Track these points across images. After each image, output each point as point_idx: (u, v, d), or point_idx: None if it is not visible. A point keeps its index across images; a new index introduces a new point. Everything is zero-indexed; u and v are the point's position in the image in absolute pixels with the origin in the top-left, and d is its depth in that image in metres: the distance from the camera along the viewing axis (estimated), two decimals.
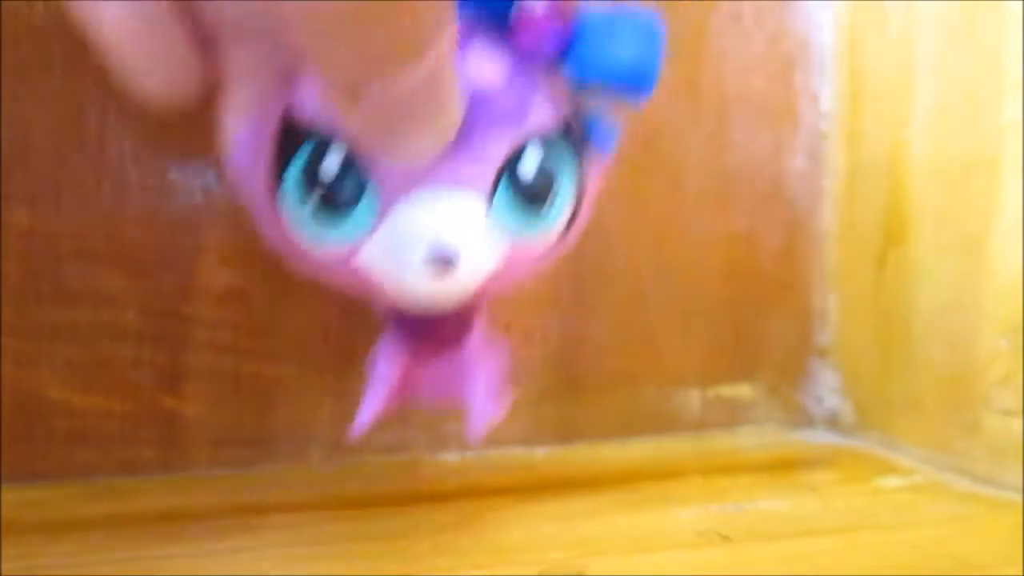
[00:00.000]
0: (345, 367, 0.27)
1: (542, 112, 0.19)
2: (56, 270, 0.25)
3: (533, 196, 0.19)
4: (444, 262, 0.18)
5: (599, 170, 0.21)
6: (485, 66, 0.19)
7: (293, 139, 0.18)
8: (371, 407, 0.22)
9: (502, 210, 0.18)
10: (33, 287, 0.25)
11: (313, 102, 0.18)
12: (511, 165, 0.18)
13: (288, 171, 0.18)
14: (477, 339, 0.22)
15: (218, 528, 0.22)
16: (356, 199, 0.18)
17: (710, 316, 0.32)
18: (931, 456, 0.28)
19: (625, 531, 0.22)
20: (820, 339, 0.33)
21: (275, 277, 0.26)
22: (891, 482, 0.27)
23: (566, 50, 0.19)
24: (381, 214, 0.18)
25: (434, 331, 0.21)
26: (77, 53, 0.24)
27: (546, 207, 0.19)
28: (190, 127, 0.24)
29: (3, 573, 0.19)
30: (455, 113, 0.17)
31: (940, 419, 0.28)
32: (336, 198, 0.18)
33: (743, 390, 0.32)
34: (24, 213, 0.25)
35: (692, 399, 0.32)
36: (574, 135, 0.20)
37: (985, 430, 0.26)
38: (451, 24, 0.16)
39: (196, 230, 0.26)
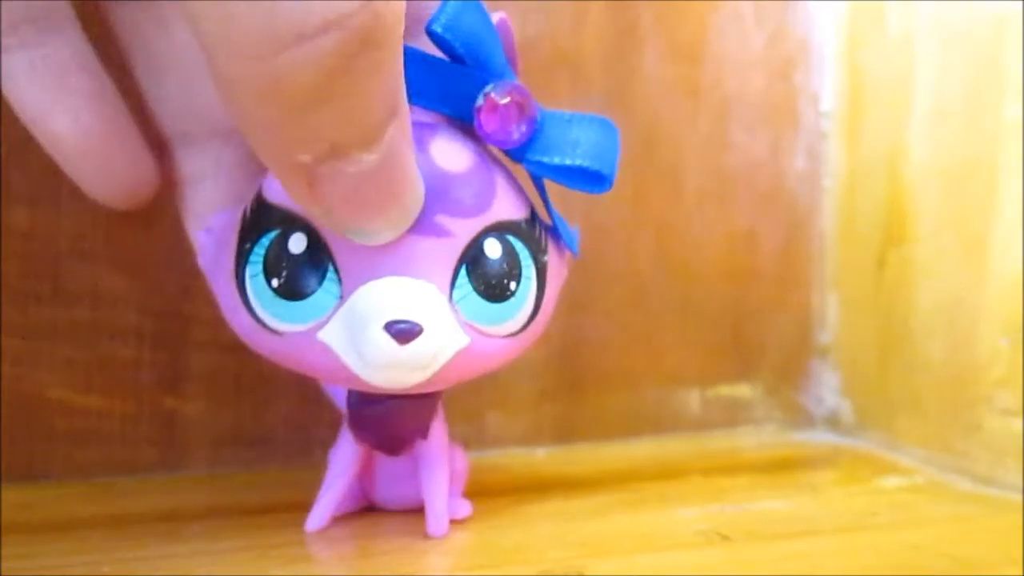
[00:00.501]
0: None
1: (505, 202, 0.19)
2: (56, 270, 0.25)
3: (493, 287, 0.19)
4: (405, 332, 0.17)
5: (563, 267, 0.21)
6: (450, 154, 0.19)
7: (259, 225, 0.19)
8: (326, 506, 0.22)
9: (463, 299, 0.18)
10: (33, 287, 0.25)
11: (277, 191, 0.19)
12: (471, 255, 0.19)
13: (252, 257, 0.19)
14: (437, 437, 0.21)
15: (218, 528, 0.22)
16: (319, 282, 0.18)
17: (710, 316, 0.32)
18: (931, 456, 0.28)
19: (625, 531, 0.22)
20: (820, 339, 0.33)
21: None
22: (891, 482, 0.27)
23: (528, 141, 0.19)
24: (342, 297, 0.18)
25: (392, 422, 0.20)
26: None
27: (507, 298, 0.19)
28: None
29: (3, 573, 0.19)
30: (414, 199, 0.17)
31: (940, 419, 0.28)
32: (300, 281, 0.18)
33: (743, 390, 0.32)
34: (24, 213, 0.25)
35: (692, 399, 0.32)
36: (537, 229, 0.20)
37: (985, 430, 0.26)
38: (403, 111, 0.16)
39: None
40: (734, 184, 0.32)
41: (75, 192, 0.23)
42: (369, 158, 0.15)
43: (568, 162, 0.19)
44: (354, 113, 0.15)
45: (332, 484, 0.22)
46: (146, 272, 0.26)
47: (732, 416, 0.32)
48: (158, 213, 0.26)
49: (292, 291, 0.18)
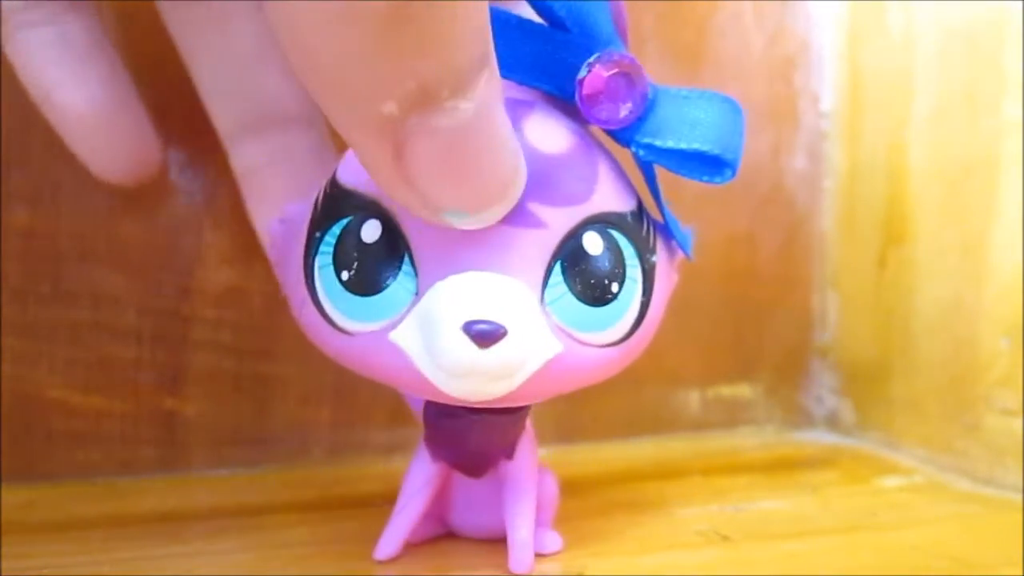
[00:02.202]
0: (345, 367, 0.27)
1: (609, 192, 0.17)
2: (56, 270, 0.25)
3: (592, 287, 0.16)
4: (486, 334, 0.15)
5: (672, 270, 0.19)
6: (546, 134, 0.17)
7: (331, 211, 0.17)
8: (399, 530, 0.19)
9: (556, 300, 0.16)
10: (33, 287, 0.25)
11: (352, 175, 0.17)
12: (568, 250, 0.16)
13: (322, 247, 0.17)
14: (524, 458, 0.19)
15: (218, 528, 0.22)
16: (393, 276, 0.16)
17: (710, 316, 0.32)
18: (931, 456, 0.28)
19: (625, 531, 0.22)
20: (820, 339, 0.33)
21: (275, 277, 0.26)
22: (891, 482, 0.27)
23: (637, 120, 0.17)
24: (419, 292, 0.16)
25: (473, 439, 0.18)
26: None
27: (608, 302, 0.17)
28: (191, 127, 0.24)
29: (3, 573, 0.19)
30: (516, 171, 0.15)
31: (940, 419, 0.28)
32: (372, 274, 0.16)
33: (743, 390, 0.32)
34: (24, 213, 0.25)
35: (692, 399, 0.32)
36: (645, 225, 0.18)
37: (985, 430, 0.26)
38: (494, 65, 0.14)
39: (196, 230, 0.26)
40: (734, 184, 0.31)
41: (75, 192, 0.23)
42: (465, 106, 0.13)
43: (684, 146, 0.17)
44: (443, 43, 0.12)
45: (406, 506, 0.19)
46: (146, 272, 0.26)
47: (732, 416, 0.32)
48: (158, 213, 0.26)
49: (363, 285, 0.16)
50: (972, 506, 0.24)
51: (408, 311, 0.16)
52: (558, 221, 0.16)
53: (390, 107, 0.13)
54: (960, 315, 0.27)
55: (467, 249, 0.16)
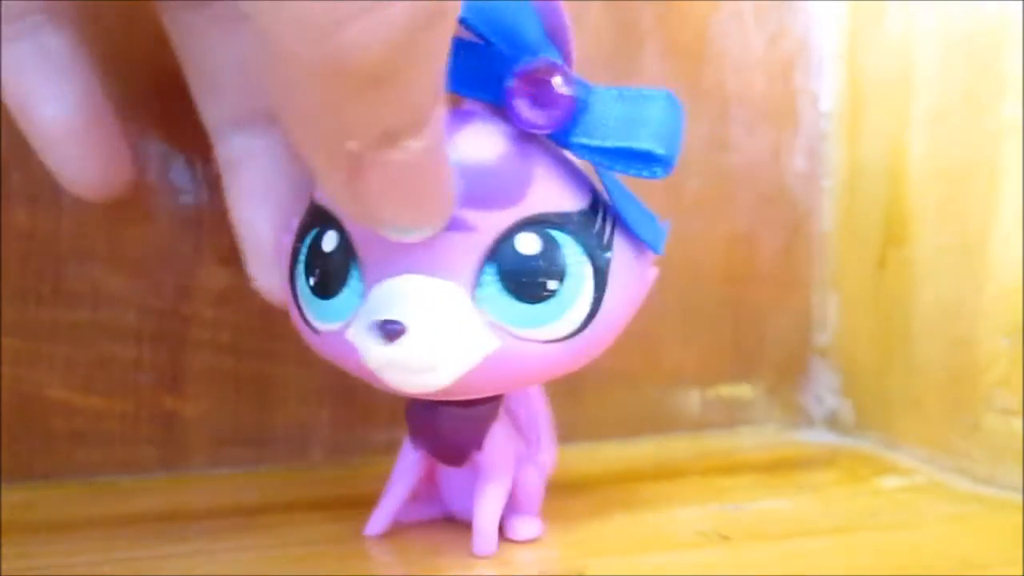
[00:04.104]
0: None
1: (548, 193, 0.18)
2: (56, 270, 0.25)
3: (526, 286, 0.17)
4: (389, 332, 0.17)
5: (641, 265, 0.19)
6: (476, 142, 0.18)
7: (306, 224, 0.19)
8: (386, 511, 0.21)
9: (489, 299, 0.17)
10: (33, 287, 0.25)
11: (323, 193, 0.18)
12: (501, 251, 0.17)
13: (300, 256, 0.19)
14: (496, 449, 0.20)
15: (218, 528, 0.22)
16: (345, 281, 0.18)
17: (710, 316, 0.32)
18: (931, 456, 0.28)
19: (625, 531, 0.22)
20: (820, 339, 0.33)
21: None
22: (891, 482, 0.27)
23: (569, 122, 0.18)
24: (364, 295, 0.18)
25: (443, 430, 0.20)
26: None
27: (545, 299, 0.17)
28: (191, 127, 0.24)
29: (3, 573, 0.19)
30: (448, 195, 0.16)
31: (940, 419, 0.28)
32: (330, 279, 0.18)
33: (743, 390, 0.32)
34: (24, 213, 0.25)
35: (692, 399, 0.32)
36: (599, 222, 0.18)
37: (985, 430, 0.26)
38: (442, 100, 0.15)
39: (196, 230, 0.26)
40: (734, 184, 0.32)
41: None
42: (416, 145, 0.15)
43: (616, 143, 0.17)
44: (412, 94, 0.14)
45: (392, 489, 0.21)
46: (146, 272, 0.26)
47: (732, 416, 0.32)
48: (158, 213, 0.26)
49: (324, 289, 0.18)
50: (972, 506, 0.24)
51: (357, 312, 0.18)
52: (488, 224, 0.17)
53: (353, 145, 0.14)
54: (960, 315, 0.27)
55: (403, 255, 0.17)
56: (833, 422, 0.32)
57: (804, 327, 0.33)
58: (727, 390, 0.32)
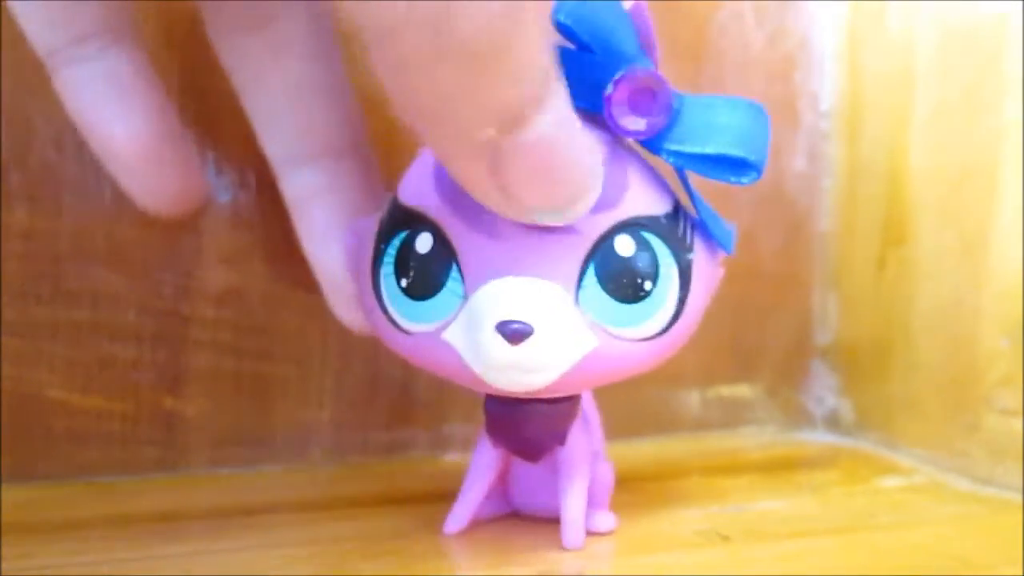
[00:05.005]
0: (345, 367, 0.28)
1: (641, 197, 0.19)
2: (56, 270, 0.25)
3: (624, 287, 0.18)
4: (516, 333, 0.17)
5: (715, 266, 0.20)
6: None
7: (392, 226, 0.19)
8: (465, 509, 0.21)
9: (590, 299, 0.18)
10: (33, 287, 0.25)
11: (409, 193, 0.19)
12: (600, 253, 0.18)
13: (385, 257, 0.19)
14: (576, 444, 0.20)
15: (218, 528, 0.22)
16: (443, 282, 0.18)
17: (710, 316, 0.31)
18: (931, 456, 0.28)
19: (625, 531, 0.22)
20: (820, 339, 0.33)
21: (275, 277, 0.26)
22: (891, 482, 0.27)
23: (663, 130, 0.18)
24: (465, 296, 0.18)
25: (526, 427, 0.20)
26: None
27: (641, 299, 0.18)
28: (190, 126, 0.24)
29: (3, 573, 0.19)
30: (592, 169, 0.17)
31: (940, 419, 0.28)
32: (426, 280, 0.18)
33: (743, 390, 0.32)
34: (24, 213, 0.25)
35: (692, 399, 0.32)
36: (681, 225, 0.19)
37: (985, 430, 0.26)
38: (559, 75, 0.15)
39: (196, 230, 0.26)
40: (734, 184, 0.32)
41: (75, 192, 0.23)
42: (545, 119, 0.15)
43: (710, 150, 0.18)
44: (527, 66, 0.14)
45: (471, 487, 0.21)
46: (146, 272, 0.26)
47: (732, 416, 0.32)
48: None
49: (419, 290, 0.18)
50: (972, 506, 0.24)
51: (457, 313, 0.18)
52: (590, 227, 0.18)
53: (489, 132, 0.15)
54: (960, 315, 0.27)
55: (507, 256, 0.18)
56: (833, 422, 0.32)
57: (804, 327, 0.33)
58: (727, 390, 0.32)
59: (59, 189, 0.25)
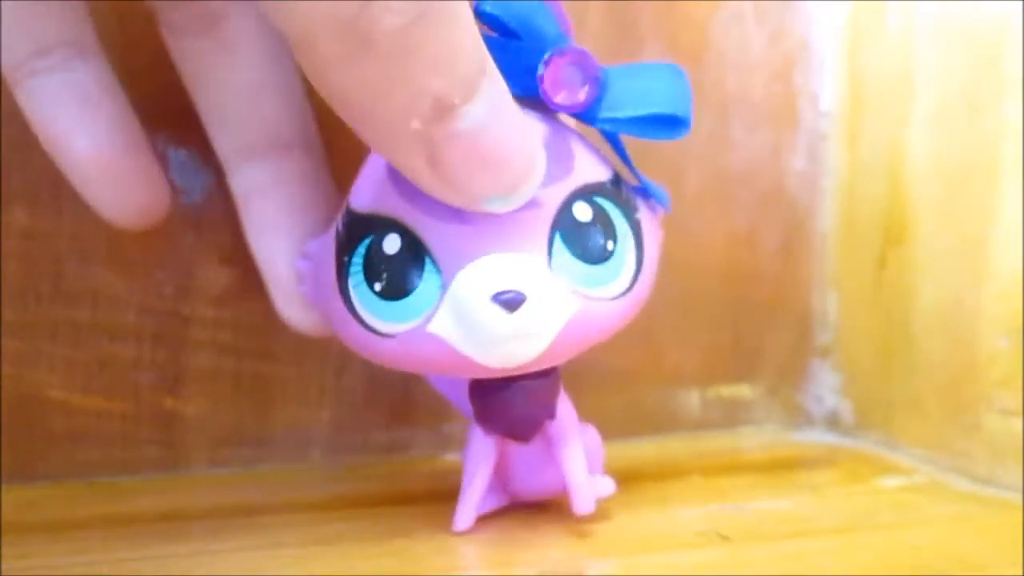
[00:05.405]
0: (345, 367, 0.28)
1: (587, 165, 0.20)
2: (56, 270, 0.25)
3: (590, 249, 0.19)
4: (512, 301, 0.17)
5: (657, 225, 0.21)
6: None
7: (352, 236, 0.19)
8: (471, 504, 0.21)
9: (562, 265, 0.18)
10: (33, 287, 0.25)
11: (362, 201, 0.19)
12: (563, 221, 0.19)
13: (351, 268, 0.19)
14: (565, 414, 0.21)
15: (218, 528, 0.22)
16: (419, 276, 0.18)
17: (710, 316, 0.32)
18: (931, 456, 0.28)
19: (625, 531, 0.22)
20: (820, 339, 0.33)
21: None
22: (891, 482, 0.27)
23: (595, 101, 0.19)
24: (444, 285, 0.18)
25: (520, 405, 0.20)
26: None
27: (607, 259, 0.19)
28: (190, 126, 0.24)
29: (3, 573, 0.19)
30: (533, 152, 0.17)
31: (940, 419, 0.28)
32: (401, 280, 0.18)
33: (743, 390, 0.32)
34: (24, 213, 0.25)
35: (692, 399, 0.32)
36: (623, 188, 0.20)
37: (985, 430, 0.26)
38: (494, 71, 0.16)
39: (196, 230, 0.26)
40: (734, 184, 0.32)
41: (75, 192, 0.23)
42: (476, 109, 0.15)
43: (642, 112, 0.19)
44: (445, 60, 0.15)
45: (472, 482, 0.21)
46: (146, 272, 0.26)
47: (732, 416, 0.32)
48: None
49: (395, 290, 0.18)
50: (972, 506, 0.24)
51: (439, 304, 0.18)
52: (549, 198, 0.19)
53: (415, 124, 0.15)
54: (960, 315, 0.27)
55: (479, 238, 0.18)
56: (833, 422, 0.32)
57: (804, 327, 0.33)
58: (727, 390, 0.32)
59: (59, 189, 0.25)
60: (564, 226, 0.19)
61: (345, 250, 0.19)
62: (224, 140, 0.23)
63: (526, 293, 0.18)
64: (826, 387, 0.33)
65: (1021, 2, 0.25)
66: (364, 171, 0.20)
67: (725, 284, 0.32)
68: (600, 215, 0.19)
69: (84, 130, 0.21)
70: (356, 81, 0.15)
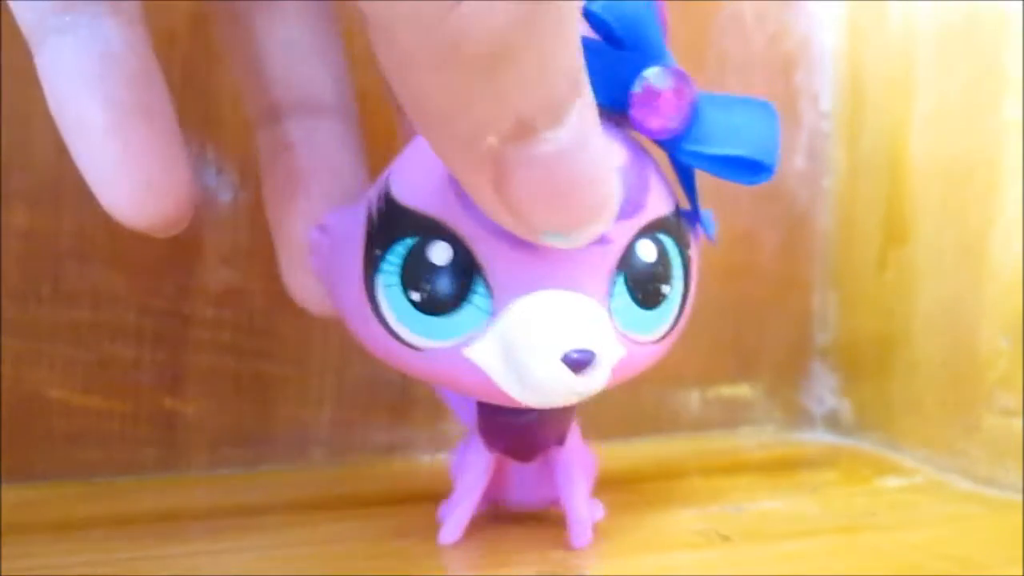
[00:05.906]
0: (345, 367, 0.28)
1: (657, 198, 0.18)
2: (56, 270, 0.25)
3: (650, 294, 0.17)
4: (581, 364, 0.16)
5: (699, 255, 0.20)
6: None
7: (391, 229, 0.17)
8: (462, 518, 0.21)
9: (619, 309, 0.17)
10: (33, 287, 0.25)
11: (408, 193, 0.17)
12: (627, 261, 0.17)
13: (384, 265, 0.17)
14: (573, 441, 0.20)
15: (218, 528, 0.22)
16: (466, 297, 0.17)
17: (710, 316, 0.32)
18: (931, 456, 0.28)
19: (625, 531, 0.22)
20: (820, 339, 0.33)
21: (275, 277, 0.26)
22: (891, 482, 0.27)
23: (685, 130, 0.18)
24: (493, 313, 0.16)
25: (532, 434, 0.19)
26: None
27: (660, 304, 0.18)
28: (190, 126, 0.24)
29: (3, 573, 0.19)
30: (607, 194, 0.15)
31: (940, 419, 0.28)
32: (445, 296, 0.17)
33: (743, 390, 0.32)
34: (24, 213, 0.25)
35: (692, 399, 0.32)
36: (682, 221, 0.19)
37: (985, 430, 0.26)
38: (588, 93, 0.14)
39: (196, 230, 0.26)
40: (734, 184, 0.32)
41: (75, 192, 0.23)
42: (559, 135, 0.14)
43: (728, 151, 0.18)
44: (538, 78, 0.13)
45: (466, 495, 0.21)
46: (146, 272, 0.26)
47: (732, 416, 0.32)
48: None
49: (436, 306, 0.17)
50: (972, 506, 0.24)
51: (484, 330, 0.17)
52: (619, 234, 0.17)
53: (491, 141, 0.14)
54: (960, 315, 0.27)
55: (538, 268, 0.16)
56: (833, 422, 0.32)
57: (804, 327, 0.33)
58: (727, 390, 0.32)
59: (59, 189, 0.25)
60: (628, 267, 0.17)
61: (378, 243, 0.17)
62: (256, 97, 0.22)
63: (595, 352, 0.16)
64: (826, 387, 0.33)
65: (1021, 2, 0.25)
66: (411, 155, 0.18)
67: (725, 283, 0.32)
68: (662, 256, 0.18)
69: (97, 90, 0.18)
70: (435, 86, 0.13)
